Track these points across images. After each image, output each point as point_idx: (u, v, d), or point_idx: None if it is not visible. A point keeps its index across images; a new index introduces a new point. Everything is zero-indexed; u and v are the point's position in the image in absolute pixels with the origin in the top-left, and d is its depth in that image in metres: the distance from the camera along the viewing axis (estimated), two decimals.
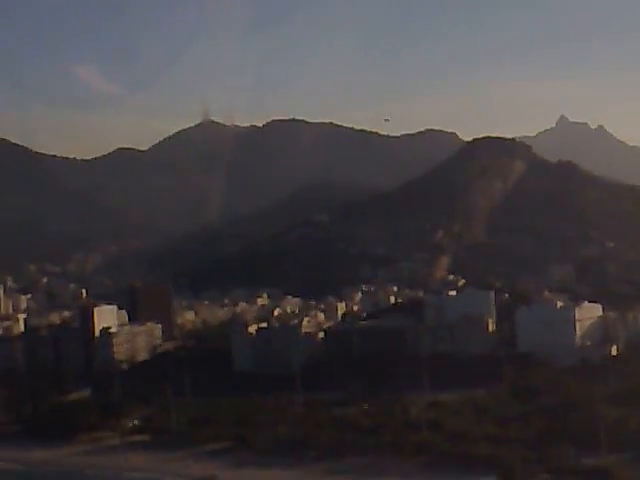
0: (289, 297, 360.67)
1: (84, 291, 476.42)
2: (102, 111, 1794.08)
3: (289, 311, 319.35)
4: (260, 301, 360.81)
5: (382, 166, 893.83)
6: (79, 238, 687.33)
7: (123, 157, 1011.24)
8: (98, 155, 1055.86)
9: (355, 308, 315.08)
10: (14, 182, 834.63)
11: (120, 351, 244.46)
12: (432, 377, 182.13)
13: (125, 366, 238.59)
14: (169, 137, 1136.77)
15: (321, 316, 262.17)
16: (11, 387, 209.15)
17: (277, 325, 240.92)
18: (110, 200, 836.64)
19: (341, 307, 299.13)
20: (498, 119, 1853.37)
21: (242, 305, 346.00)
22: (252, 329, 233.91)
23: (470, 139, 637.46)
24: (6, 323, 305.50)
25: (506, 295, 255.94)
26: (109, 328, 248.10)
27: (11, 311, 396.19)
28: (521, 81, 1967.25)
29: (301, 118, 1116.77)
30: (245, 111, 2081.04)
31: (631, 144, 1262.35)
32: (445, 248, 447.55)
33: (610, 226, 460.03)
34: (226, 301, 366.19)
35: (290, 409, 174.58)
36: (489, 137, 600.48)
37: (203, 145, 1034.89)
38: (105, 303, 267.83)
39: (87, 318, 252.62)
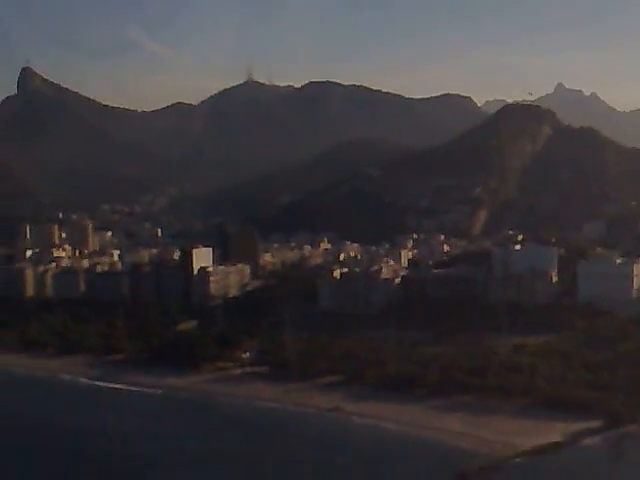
0: (348, 243, 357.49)
1: (159, 230, 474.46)
2: (159, 70, 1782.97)
3: (352, 256, 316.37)
4: (323, 245, 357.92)
5: (408, 125, 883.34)
6: (141, 182, 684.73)
7: (178, 110, 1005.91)
8: (156, 108, 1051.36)
9: (410, 255, 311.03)
10: (83, 132, 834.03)
11: (215, 288, 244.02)
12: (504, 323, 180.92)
13: (219, 301, 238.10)
14: (217, 94, 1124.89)
15: (392, 263, 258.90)
16: (129, 318, 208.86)
17: (358, 271, 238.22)
18: (167, 148, 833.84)
19: (405, 254, 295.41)
20: (506, 85, 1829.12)
21: (307, 249, 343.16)
22: (336, 274, 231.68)
23: (485, 101, 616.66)
24: (103, 259, 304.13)
25: (562, 250, 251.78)
26: (206, 267, 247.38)
27: (98, 247, 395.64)
28: (525, 53, 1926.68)
29: (335, 80, 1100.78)
30: (285, 72, 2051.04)
31: (620, 110, 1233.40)
32: (483, 202, 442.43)
33: (630, 186, 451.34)
34: (292, 244, 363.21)
35: (389, 347, 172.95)
36: (519, 104, 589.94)
37: (247, 102, 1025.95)
38: (201, 245, 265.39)
39: (187, 258, 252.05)
